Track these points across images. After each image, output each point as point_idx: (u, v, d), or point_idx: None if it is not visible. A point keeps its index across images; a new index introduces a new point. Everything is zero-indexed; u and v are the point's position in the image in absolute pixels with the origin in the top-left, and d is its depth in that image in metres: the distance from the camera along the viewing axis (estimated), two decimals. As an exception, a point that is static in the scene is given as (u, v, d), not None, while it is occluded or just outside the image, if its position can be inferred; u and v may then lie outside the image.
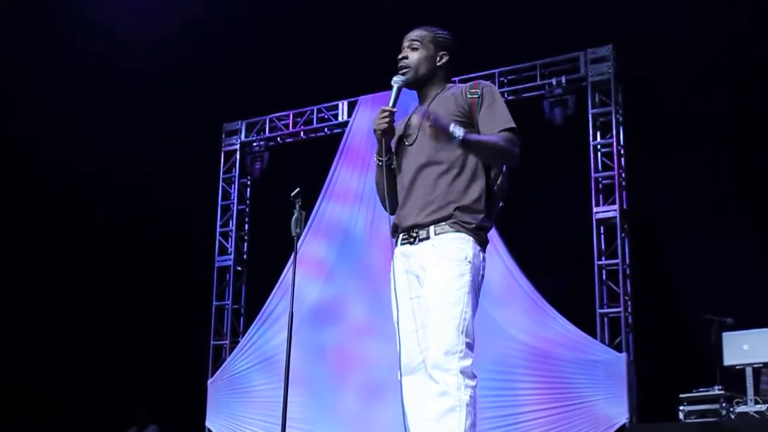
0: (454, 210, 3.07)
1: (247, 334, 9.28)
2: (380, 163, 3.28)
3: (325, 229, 9.04)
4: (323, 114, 9.67)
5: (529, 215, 7.60)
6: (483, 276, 3.11)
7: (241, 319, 9.76)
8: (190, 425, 9.24)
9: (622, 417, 7.14)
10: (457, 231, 3.06)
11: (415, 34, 3.32)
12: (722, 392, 6.14)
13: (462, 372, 2.92)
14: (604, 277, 7.90)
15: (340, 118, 9.54)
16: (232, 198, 9.98)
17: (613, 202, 7.94)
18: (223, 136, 10.12)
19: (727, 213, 7.67)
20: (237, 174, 9.98)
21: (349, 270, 8.76)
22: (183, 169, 9.23)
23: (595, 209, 7.98)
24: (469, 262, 3.03)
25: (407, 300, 3.14)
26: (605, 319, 7.76)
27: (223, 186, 10.03)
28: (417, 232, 3.12)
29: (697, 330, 7.02)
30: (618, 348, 7.50)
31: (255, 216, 9.96)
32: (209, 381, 9.29)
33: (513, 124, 3.12)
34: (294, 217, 4.46)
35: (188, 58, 9.15)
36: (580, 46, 8.32)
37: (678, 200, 7.83)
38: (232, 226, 9.88)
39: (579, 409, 7.36)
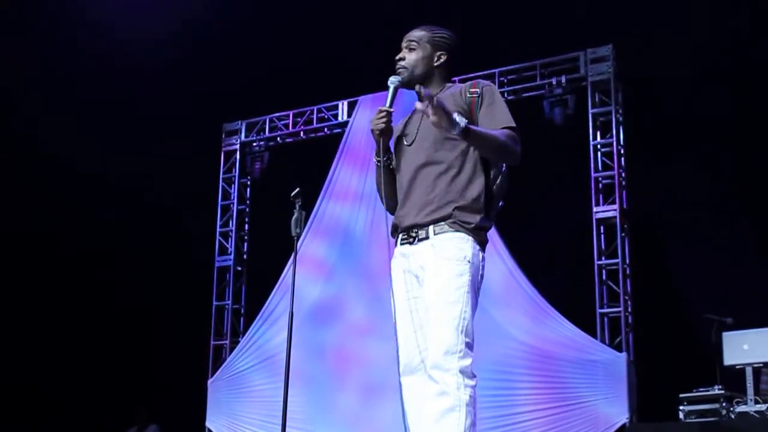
0: (454, 210, 3.07)
1: (247, 334, 9.28)
2: (379, 164, 3.28)
3: (325, 229, 9.04)
4: (323, 114, 9.67)
5: (529, 215, 7.60)
6: (482, 276, 3.11)
7: (241, 319, 9.76)
8: (190, 425, 9.24)
9: (622, 417, 7.14)
10: (457, 231, 3.05)
11: (413, 34, 3.32)
12: (722, 392, 6.13)
13: (462, 372, 2.91)
14: (604, 276, 7.90)
15: (340, 118, 9.54)
16: (232, 198, 9.97)
17: (613, 202, 7.94)
18: (223, 136, 10.13)
19: (727, 213, 7.67)
20: (237, 174, 9.98)
21: (349, 270, 8.76)
22: (183, 169, 9.23)
23: (595, 209, 7.98)
24: (469, 261, 3.02)
25: (407, 300, 3.13)
26: (605, 319, 7.76)
27: (223, 186, 10.03)
28: (416, 232, 3.12)
29: (697, 330, 7.02)
30: (618, 348, 7.50)
31: (255, 216, 9.96)
32: (209, 381, 9.29)
33: (513, 123, 3.11)
34: (294, 217, 4.47)
35: (188, 58, 9.15)
36: (580, 46, 8.32)
37: (678, 200, 7.83)
38: (232, 226, 9.88)
39: (579, 409, 7.36)
